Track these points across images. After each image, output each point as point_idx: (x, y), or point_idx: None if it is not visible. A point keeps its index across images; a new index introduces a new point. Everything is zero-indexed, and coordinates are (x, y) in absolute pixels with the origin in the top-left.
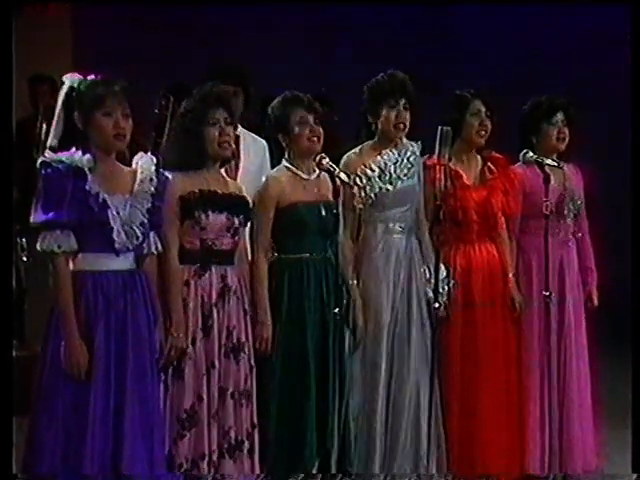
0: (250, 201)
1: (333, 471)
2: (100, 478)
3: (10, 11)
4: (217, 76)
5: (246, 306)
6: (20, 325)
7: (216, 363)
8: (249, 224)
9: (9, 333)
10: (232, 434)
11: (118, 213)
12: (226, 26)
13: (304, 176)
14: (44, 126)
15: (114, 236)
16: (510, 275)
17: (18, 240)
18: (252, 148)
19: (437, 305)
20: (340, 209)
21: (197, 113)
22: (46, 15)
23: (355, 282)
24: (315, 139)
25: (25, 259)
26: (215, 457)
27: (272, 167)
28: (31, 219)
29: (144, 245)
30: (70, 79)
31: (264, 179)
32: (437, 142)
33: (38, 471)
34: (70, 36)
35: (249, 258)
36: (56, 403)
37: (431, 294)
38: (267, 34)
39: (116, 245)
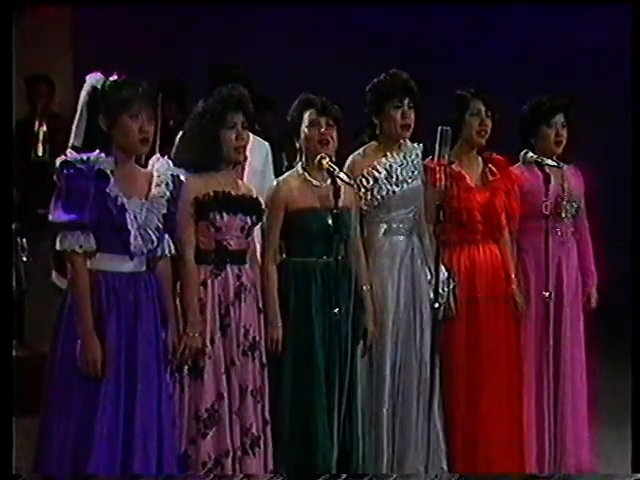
0: (262, 202)
1: (334, 471)
2: (109, 477)
3: (10, 11)
4: (222, 77)
5: (260, 305)
6: (20, 325)
7: (236, 361)
8: (259, 225)
9: (9, 333)
10: (254, 430)
11: (135, 217)
12: (226, 26)
13: (315, 183)
14: (43, 126)
15: (131, 239)
16: (513, 276)
17: (18, 240)
18: (257, 149)
19: (437, 305)
20: (353, 211)
21: (216, 115)
22: (46, 15)
23: (368, 287)
24: (325, 141)
25: (25, 259)
26: (239, 453)
27: (275, 168)
28: (50, 217)
29: (158, 248)
30: (93, 79)
31: (275, 182)
32: (437, 142)
33: (48, 471)
34: (70, 36)
35: (259, 258)
36: (68, 402)
37: (432, 295)
38: (267, 34)
39: (131, 248)
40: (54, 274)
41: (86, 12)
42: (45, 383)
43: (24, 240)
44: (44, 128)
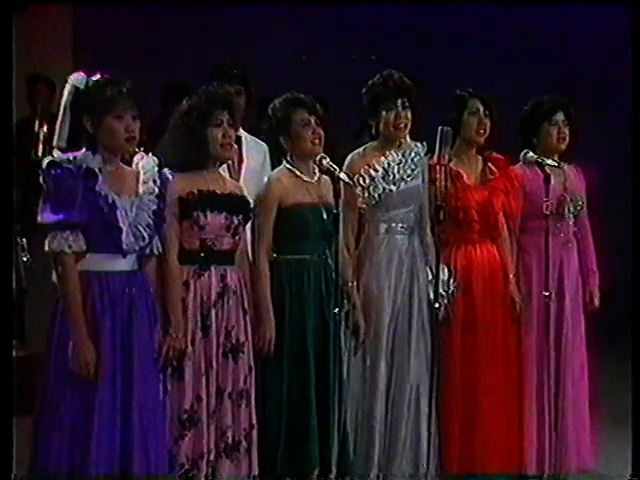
0: (250, 201)
1: (333, 473)
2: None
3: (11, 11)
4: (220, 76)
5: (246, 306)
6: (20, 325)
7: (214, 363)
8: (250, 224)
9: (9, 333)
10: (229, 434)
11: (126, 215)
12: (226, 26)
13: (305, 178)
14: (44, 126)
15: (122, 237)
16: (511, 275)
17: (19, 240)
18: (254, 150)
19: (437, 305)
20: (341, 209)
21: (202, 113)
22: (46, 15)
23: (354, 284)
24: (317, 141)
25: (25, 259)
26: (212, 457)
27: (272, 169)
28: (39, 219)
29: (148, 247)
30: (75, 79)
31: (266, 179)
32: (437, 142)
33: (44, 473)
34: (70, 36)
35: (250, 258)
36: (63, 404)
37: (432, 295)
38: (267, 34)
39: (124, 246)
40: (54, 274)
41: (86, 12)
42: (39, 386)
43: (24, 240)
44: (44, 128)
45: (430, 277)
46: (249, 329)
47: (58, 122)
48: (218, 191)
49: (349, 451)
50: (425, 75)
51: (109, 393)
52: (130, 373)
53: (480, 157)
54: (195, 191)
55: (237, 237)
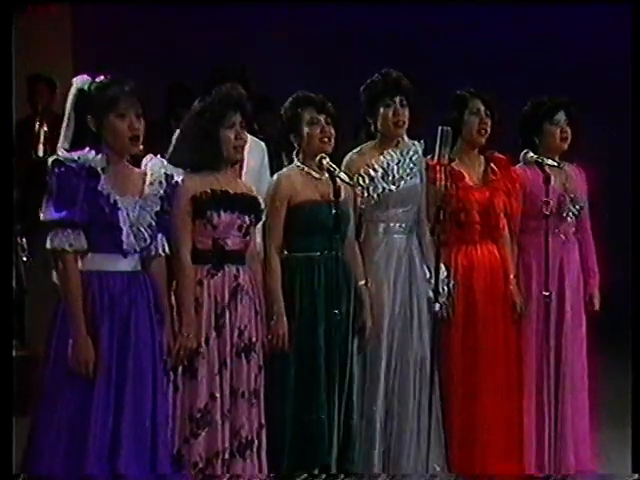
0: (261, 201)
1: (334, 470)
2: (100, 478)
3: (10, 11)
4: (219, 76)
5: (257, 306)
6: (20, 325)
7: (228, 362)
8: (260, 223)
9: (9, 333)
10: (243, 433)
11: (128, 215)
12: (226, 26)
13: (316, 175)
14: (44, 126)
15: (123, 237)
16: (512, 276)
17: (18, 240)
18: (253, 150)
19: (437, 305)
20: (344, 209)
21: (215, 115)
22: (46, 15)
23: (363, 283)
24: (326, 139)
25: (25, 259)
26: (227, 456)
27: (271, 168)
28: (41, 216)
29: (151, 247)
30: (79, 81)
31: (275, 177)
32: (437, 142)
33: (38, 471)
34: (70, 36)
35: (260, 257)
36: (59, 402)
37: (431, 294)
38: (267, 34)
39: (124, 246)
40: (54, 274)
41: (86, 12)
42: (37, 384)
43: (24, 240)
44: (45, 128)
45: (428, 276)
46: (260, 329)
47: (63, 125)
48: (231, 191)
49: (354, 448)
50: (424, 75)
51: (104, 392)
52: (125, 373)
53: (482, 157)
54: (208, 190)
55: (248, 237)
